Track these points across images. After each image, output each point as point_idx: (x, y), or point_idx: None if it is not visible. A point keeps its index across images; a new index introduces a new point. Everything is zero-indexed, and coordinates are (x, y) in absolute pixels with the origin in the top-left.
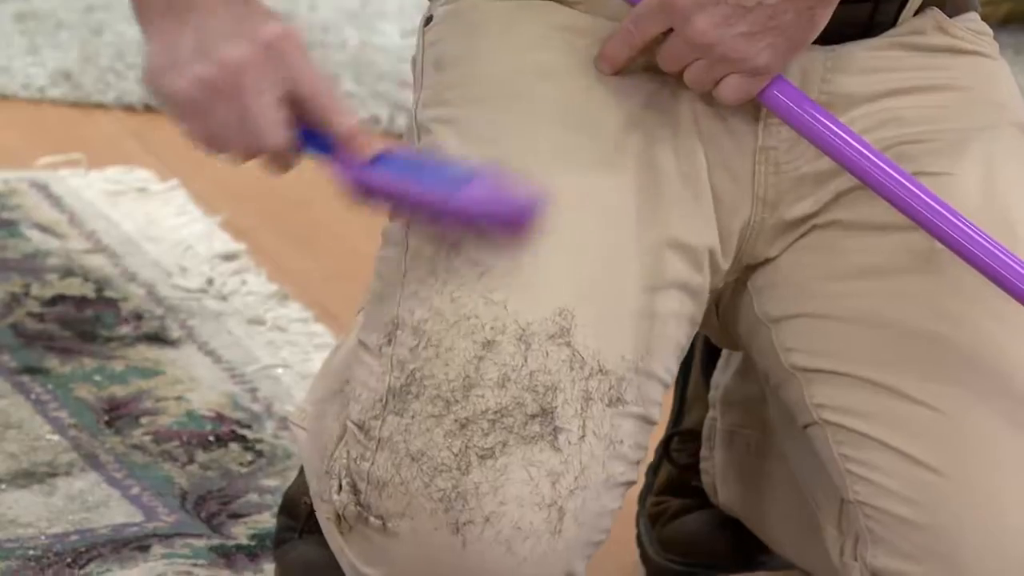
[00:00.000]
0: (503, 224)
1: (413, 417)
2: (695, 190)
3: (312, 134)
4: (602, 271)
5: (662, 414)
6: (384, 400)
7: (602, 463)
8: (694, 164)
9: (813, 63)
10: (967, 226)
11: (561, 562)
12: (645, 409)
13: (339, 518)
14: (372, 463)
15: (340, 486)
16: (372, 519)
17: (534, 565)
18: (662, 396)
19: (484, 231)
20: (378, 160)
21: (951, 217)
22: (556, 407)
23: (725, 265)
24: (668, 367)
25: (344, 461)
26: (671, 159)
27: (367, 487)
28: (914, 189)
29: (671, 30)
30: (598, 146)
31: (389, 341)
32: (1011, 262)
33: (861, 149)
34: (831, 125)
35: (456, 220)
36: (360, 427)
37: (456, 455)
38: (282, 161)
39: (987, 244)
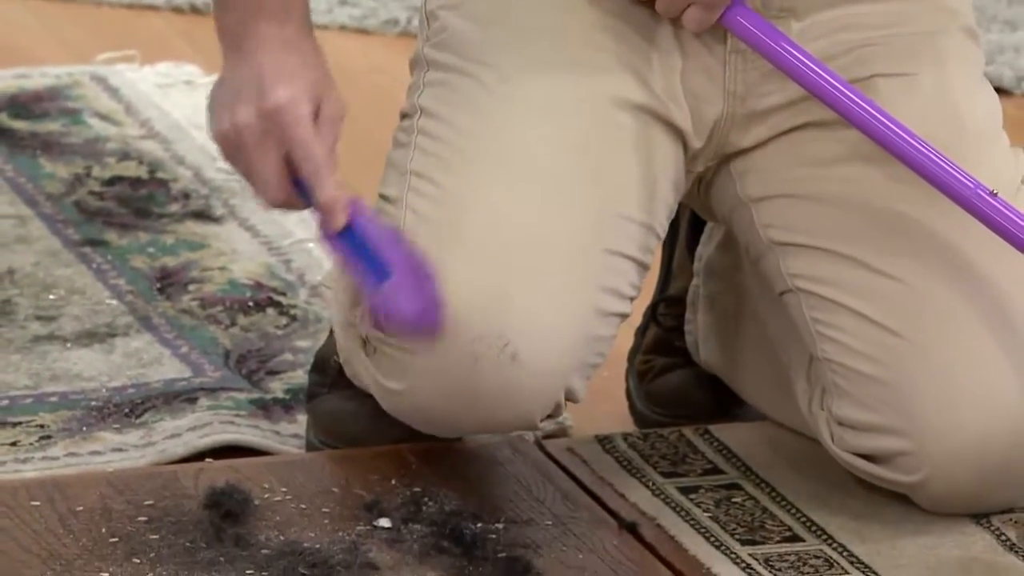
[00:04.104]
0: (409, 324)
1: (427, 250)
2: (671, 90)
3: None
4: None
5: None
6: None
7: (591, 295)
8: (670, 64)
9: None
10: (905, 132)
11: (560, 376)
12: (634, 252)
13: (364, 341)
14: None
15: (363, 312)
16: (392, 339)
17: (536, 376)
18: (655, 246)
19: (394, 324)
20: (346, 231)
21: (882, 119)
22: None
23: (697, 144)
24: (660, 222)
25: None
26: (651, 61)
27: None
28: (855, 99)
29: None
30: (577, 45)
31: (405, 190)
32: (948, 168)
33: (812, 65)
34: (786, 45)
35: (376, 310)
36: None
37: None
38: (292, 208)
39: (927, 152)
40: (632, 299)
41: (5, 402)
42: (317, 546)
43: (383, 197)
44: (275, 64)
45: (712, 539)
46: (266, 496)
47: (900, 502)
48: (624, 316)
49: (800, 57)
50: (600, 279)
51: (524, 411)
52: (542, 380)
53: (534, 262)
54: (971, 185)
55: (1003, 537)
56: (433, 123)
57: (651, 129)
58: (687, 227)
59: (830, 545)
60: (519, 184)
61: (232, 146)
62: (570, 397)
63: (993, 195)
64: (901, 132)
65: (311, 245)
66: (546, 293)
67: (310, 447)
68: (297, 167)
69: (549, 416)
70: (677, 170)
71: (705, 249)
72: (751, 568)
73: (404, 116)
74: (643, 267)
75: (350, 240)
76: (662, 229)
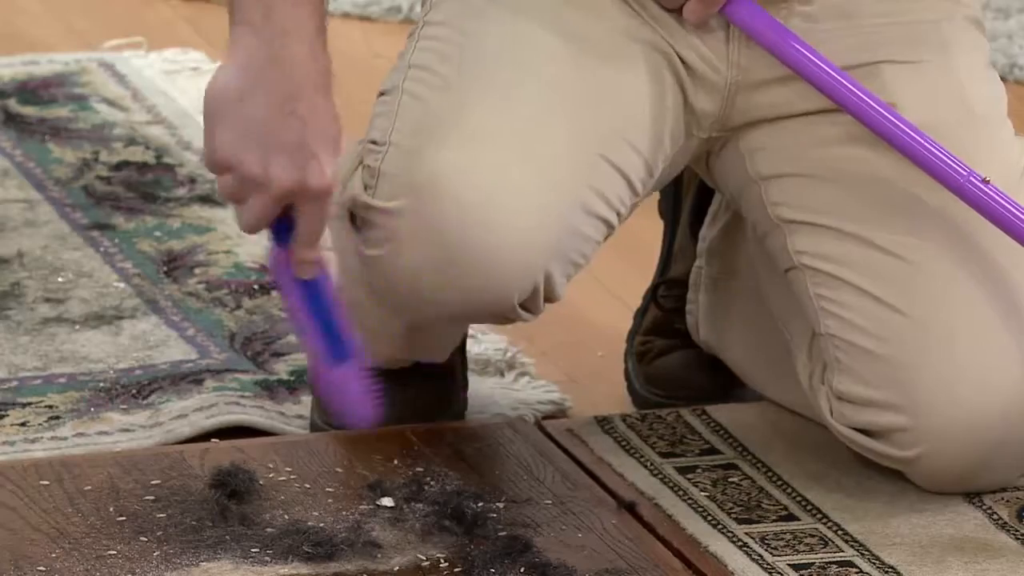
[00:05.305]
0: (343, 410)
1: (418, 127)
2: (677, 46)
3: (282, 227)
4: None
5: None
6: (396, 114)
7: (580, 189)
8: (676, 36)
9: None
10: (900, 121)
11: (539, 254)
12: (628, 172)
13: (351, 215)
14: (382, 161)
15: (352, 187)
16: (379, 203)
17: (516, 249)
18: (649, 185)
19: (330, 401)
20: (306, 285)
21: (879, 109)
22: None
23: (702, 103)
24: (656, 160)
25: (359, 172)
26: (658, 30)
27: (377, 179)
28: (853, 88)
29: None
30: (576, 24)
31: (403, 79)
32: (941, 155)
33: (810, 56)
34: (787, 37)
35: (318, 382)
36: (374, 142)
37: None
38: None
39: (921, 139)
40: (619, 215)
41: (15, 383)
42: (321, 525)
43: (380, 95)
44: (317, 119)
45: (709, 518)
46: (271, 476)
47: (894, 482)
48: (609, 226)
49: (799, 48)
50: (591, 179)
51: (502, 285)
52: (522, 254)
53: (527, 149)
54: (964, 172)
55: (995, 516)
56: (436, 28)
57: (660, 67)
58: (690, 210)
59: (825, 524)
60: (522, 81)
61: (249, 184)
62: (548, 293)
63: (985, 182)
64: (897, 121)
65: None
66: (535, 175)
67: (314, 428)
68: (300, 226)
69: (526, 308)
70: (677, 119)
71: (709, 231)
72: (747, 546)
73: (409, 36)
74: (634, 192)
75: (310, 293)
76: (656, 170)
